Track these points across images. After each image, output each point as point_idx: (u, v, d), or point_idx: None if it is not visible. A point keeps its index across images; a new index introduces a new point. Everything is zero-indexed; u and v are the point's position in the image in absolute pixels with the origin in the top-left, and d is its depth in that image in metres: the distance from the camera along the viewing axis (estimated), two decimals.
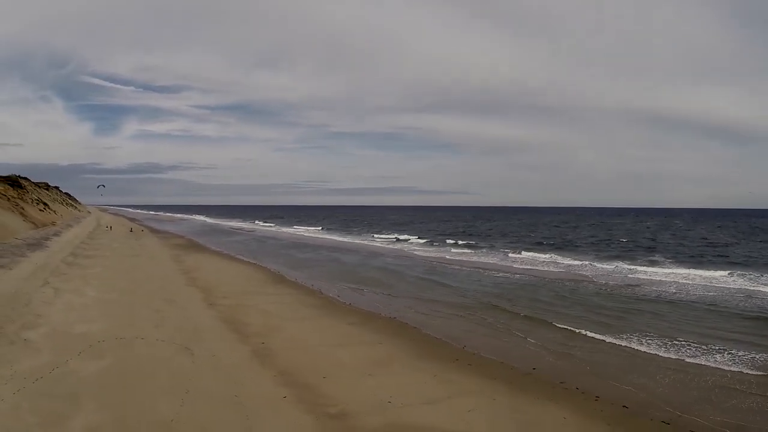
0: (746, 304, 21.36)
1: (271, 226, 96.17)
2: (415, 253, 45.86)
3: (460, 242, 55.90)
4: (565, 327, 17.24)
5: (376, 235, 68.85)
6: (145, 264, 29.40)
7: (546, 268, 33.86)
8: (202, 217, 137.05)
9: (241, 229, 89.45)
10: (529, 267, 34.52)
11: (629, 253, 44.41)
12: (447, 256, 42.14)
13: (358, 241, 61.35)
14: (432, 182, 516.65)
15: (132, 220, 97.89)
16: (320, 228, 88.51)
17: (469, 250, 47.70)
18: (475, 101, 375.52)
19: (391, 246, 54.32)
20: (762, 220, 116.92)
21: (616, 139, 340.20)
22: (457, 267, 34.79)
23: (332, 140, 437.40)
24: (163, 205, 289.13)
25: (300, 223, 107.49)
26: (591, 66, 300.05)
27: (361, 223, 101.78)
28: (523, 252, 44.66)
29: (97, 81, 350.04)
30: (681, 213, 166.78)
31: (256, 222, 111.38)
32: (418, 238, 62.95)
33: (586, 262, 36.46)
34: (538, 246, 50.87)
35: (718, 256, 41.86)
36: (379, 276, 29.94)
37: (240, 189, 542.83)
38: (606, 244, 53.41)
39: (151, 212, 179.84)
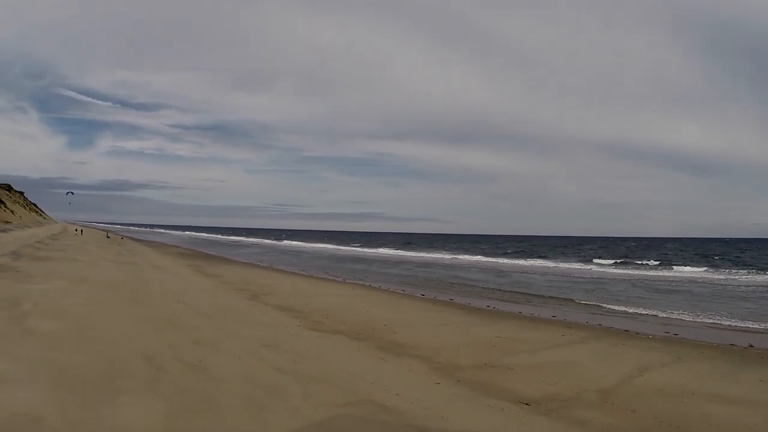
0: None
1: (263, 240, 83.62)
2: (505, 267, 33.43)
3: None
4: None
5: (424, 253, 56.53)
6: (157, 275, 17.65)
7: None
8: (178, 232, 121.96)
9: (240, 241, 78.50)
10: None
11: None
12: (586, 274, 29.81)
13: (428, 256, 50.43)
14: (402, 208, 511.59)
15: (105, 230, 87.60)
16: (342, 246, 75.05)
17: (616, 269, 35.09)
18: (451, 131, 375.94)
19: (470, 261, 42.05)
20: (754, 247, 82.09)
21: (585, 169, 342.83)
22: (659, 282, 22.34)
23: (305, 164, 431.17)
24: (131, 223, 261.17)
25: (291, 238, 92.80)
26: (563, 97, 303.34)
27: (376, 242, 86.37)
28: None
29: (73, 94, 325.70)
30: (659, 241, 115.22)
31: (253, 238, 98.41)
32: (483, 255, 50.29)
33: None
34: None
35: None
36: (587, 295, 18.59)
37: (209, 210, 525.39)
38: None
39: (117, 226, 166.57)
